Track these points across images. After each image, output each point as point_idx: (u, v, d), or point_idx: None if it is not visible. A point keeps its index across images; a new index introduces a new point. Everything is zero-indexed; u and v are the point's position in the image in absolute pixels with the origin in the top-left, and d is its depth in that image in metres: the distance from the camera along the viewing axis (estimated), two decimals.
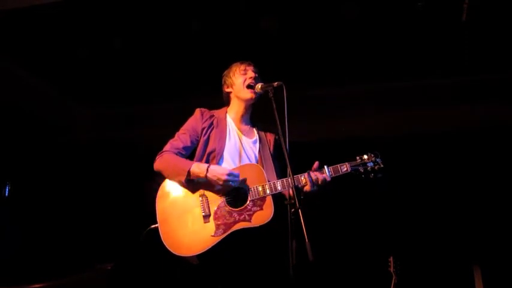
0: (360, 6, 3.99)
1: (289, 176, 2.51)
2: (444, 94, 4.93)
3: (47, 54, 4.60)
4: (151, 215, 2.80)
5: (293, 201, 2.47)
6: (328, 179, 2.74)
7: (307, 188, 2.72)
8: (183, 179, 2.72)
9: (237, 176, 2.70)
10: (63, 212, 4.98)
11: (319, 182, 2.72)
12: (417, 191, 4.62)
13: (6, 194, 4.75)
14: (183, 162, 2.77)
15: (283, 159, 2.56)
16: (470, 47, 4.33)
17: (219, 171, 2.68)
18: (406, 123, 4.95)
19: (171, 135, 2.93)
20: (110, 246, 4.66)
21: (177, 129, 2.95)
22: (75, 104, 5.40)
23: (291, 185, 2.62)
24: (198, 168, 2.71)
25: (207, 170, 2.69)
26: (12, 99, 4.92)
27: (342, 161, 2.81)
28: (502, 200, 4.51)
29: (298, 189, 2.67)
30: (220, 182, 2.69)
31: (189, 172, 2.70)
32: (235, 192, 2.74)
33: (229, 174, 2.67)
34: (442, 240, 4.54)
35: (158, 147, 2.87)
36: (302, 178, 2.73)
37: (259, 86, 2.87)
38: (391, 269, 3.84)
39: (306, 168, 2.77)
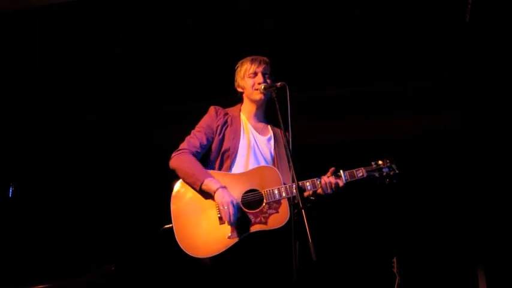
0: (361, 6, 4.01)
1: (293, 176, 2.52)
2: (446, 94, 4.92)
3: (49, 54, 4.62)
4: (152, 215, 2.80)
5: (296, 201, 2.47)
6: (342, 184, 2.75)
7: (319, 191, 2.75)
8: (197, 188, 2.74)
9: (234, 215, 2.62)
10: (65, 213, 4.98)
11: (333, 187, 2.73)
12: (422, 192, 4.61)
13: (10, 195, 4.76)
14: (199, 172, 2.76)
15: (298, 156, 2.59)
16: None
17: (223, 199, 2.64)
18: (414, 124, 4.94)
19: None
20: (113, 247, 4.66)
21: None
22: (77, 105, 5.39)
23: (294, 186, 2.62)
24: (210, 184, 2.70)
25: (216, 191, 2.67)
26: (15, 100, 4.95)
27: (352, 163, 2.84)
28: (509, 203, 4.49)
29: (301, 190, 2.67)
30: (219, 207, 2.66)
31: (202, 184, 2.71)
32: (250, 195, 2.74)
33: (227, 206, 2.61)
34: (446, 242, 4.53)
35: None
36: (318, 182, 2.74)
37: (262, 86, 2.87)
38: (395, 270, 3.84)
39: (315, 168, 2.78)
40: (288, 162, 2.67)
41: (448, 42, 4.34)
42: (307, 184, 2.74)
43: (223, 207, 2.62)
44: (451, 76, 4.76)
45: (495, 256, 4.40)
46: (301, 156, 2.85)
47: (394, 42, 4.39)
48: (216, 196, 2.67)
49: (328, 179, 2.75)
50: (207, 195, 2.75)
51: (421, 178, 4.59)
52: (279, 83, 2.76)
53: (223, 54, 4.30)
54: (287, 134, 2.65)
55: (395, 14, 4.15)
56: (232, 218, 2.61)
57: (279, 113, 2.69)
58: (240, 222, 2.67)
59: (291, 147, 2.59)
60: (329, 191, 2.72)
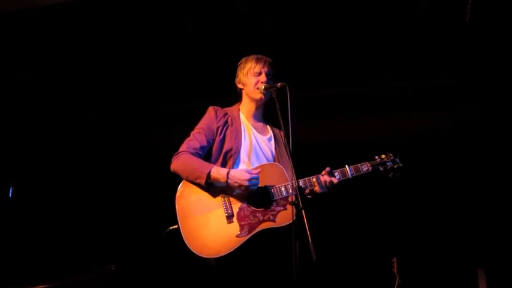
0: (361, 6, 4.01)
1: (293, 176, 2.52)
2: (446, 94, 4.92)
3: (49, 54, 4.62)
4: (152, 215, 2.78)
5: (296, 201, 2.47)
6: (336, 181, 2.79)
7: (317, 189, 2.77)
8: (202, 182, 2.69)
9: (257, 179, 2.67)
10: (65, 213, 4.98)
11: (328, 184, 2.77)
12: (422, 192, 4.60)
13: (10, 195, 4.76)
14: (202, 164, 2.75)
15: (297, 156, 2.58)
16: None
17: (240, 176, 2.66)
18: (413, 123, 4.94)
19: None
20: (113, 247, 4.66)
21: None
22: (77, 105, 5.40)
23: (294, 186, 2.63)
24: (217, 173, 2.69)
25: (227, 175, 2.67)
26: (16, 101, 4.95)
27: (352, 162, 2.86)
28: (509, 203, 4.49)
29: (301, 190, 2.67)
30: (242, 188, 2.67)
31: (208, 175, 2.68)
32: (257, 192, 2.73)
33: (250, 180, 2.65)
34: (446, 242, 4.52)
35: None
36: (314, 180, 2.78)
37: (262, 86, 2.87)
38: (395, 270, 3.84)
39: (315, 168, 2.81)
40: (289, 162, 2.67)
41: (448, 42, 4.33)
42: (301, 182, 2.75)
43: (247, 184, 2.63)
44: (451, 76, 4.76)
45: (495, 256, 4.40)
46: (301, 155, 2.85)
47: (394, 42, 4.39)
48: (230, 179, 2.65)
49: (323, 177, 2.78)
50: (214, 191, 2.73)
51: (421, 178, 4.59)
52: (279, 84, 2.76)
53: (223, 54, 4.30)
54: (288, 132, 2.65)
55: (395, 14, 4.15)
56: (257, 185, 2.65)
57: (279, 113, 2.68)
58: (248, 220, 2.67)
59: (291, 147, 2.59)
60: (325, 189, 2.76)
